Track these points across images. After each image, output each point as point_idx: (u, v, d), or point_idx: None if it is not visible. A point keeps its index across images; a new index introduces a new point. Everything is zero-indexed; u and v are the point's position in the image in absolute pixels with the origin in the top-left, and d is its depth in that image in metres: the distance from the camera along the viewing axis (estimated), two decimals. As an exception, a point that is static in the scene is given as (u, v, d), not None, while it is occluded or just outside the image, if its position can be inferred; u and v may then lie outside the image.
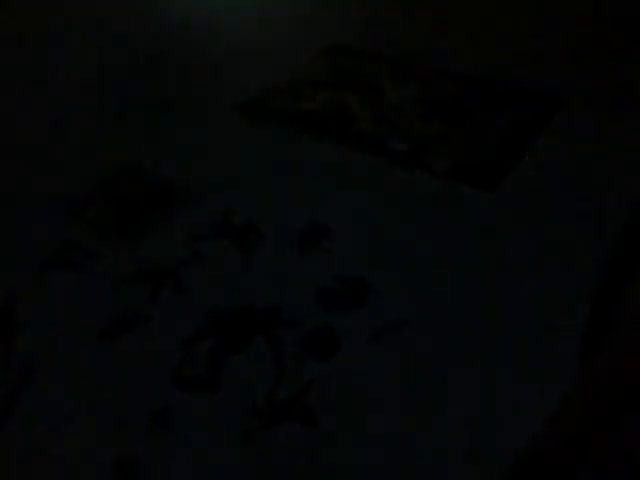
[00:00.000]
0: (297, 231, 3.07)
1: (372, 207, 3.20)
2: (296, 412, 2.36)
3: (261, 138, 3.71)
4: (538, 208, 3.08)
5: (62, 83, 3.72)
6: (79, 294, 2.90)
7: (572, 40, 4.08)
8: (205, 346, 2.60)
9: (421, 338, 2.56)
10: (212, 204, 3.27)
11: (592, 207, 3.04)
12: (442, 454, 2.19)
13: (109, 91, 3.98)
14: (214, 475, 2.21)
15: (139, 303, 2.81)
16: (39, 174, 3.47)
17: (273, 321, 2.67)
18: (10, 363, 2.63)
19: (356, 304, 2.73)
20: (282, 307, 2.72)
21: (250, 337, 2.63)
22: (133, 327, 2.72)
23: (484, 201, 3.16)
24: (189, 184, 3.41)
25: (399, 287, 2.79)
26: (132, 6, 4.83)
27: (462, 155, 3.44)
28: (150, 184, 3.44)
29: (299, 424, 2.32)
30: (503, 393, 2.35)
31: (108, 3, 4.64)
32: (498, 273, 2.79)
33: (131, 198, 3.36)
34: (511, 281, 2.76)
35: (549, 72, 3.94)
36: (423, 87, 3.98)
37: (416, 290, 2.77)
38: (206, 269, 2.96)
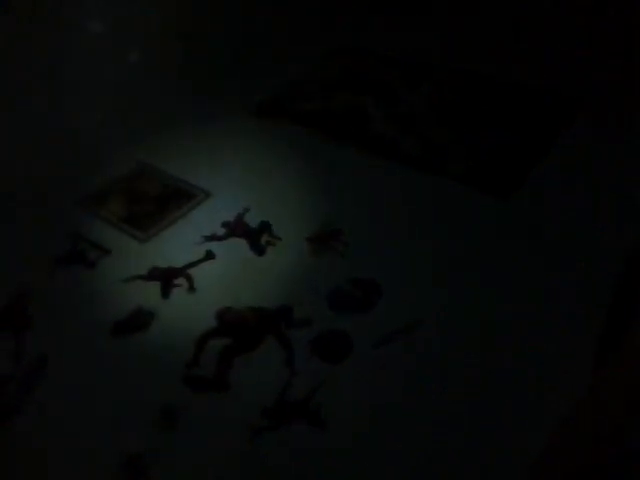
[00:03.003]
0: (310, 233, 3.07)
1: (385, 209, 3.21)
2: (305, 413, 2.37)
3: (277, 140, 3.71)
4: (550, 214, 3.10)
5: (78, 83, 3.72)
6: (92, 290, 2.90)
7: (583, 46, 4.09)
8: (216, 346, 2.60)
9: (430, 340, 2.58)
10: (225, 204, 3.28)
11: (604, 214, 3.05)
12: (450, 459, 2.22)
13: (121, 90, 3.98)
14: (222, 472, 2.23)
15: (151, 301, 2.82)
16: (54, 171, 3.47)
17: (284, 322, 2.68)
18: (22, 357, 2.63)
19: (367, 306, 2.74)
20: (294, 308, 2.72)
21: (261, 337, 2.63)
22: (144, 325, 2.73)
23: (496, 205, 3.18)
24: (203, 184, 3.41)
25: (408, 288, 2.80)
26: None
27: (469, 155, 3.46)
28: (164, 183, 3.43)
29: (308, 425, 2.34)
30: (508, 395, 2.37)
31: None
32: (503, 274, 2.82)
33: (145, 197, 3.36)
34: (513, 281, 2.79)
35: (558, 77, 3.95)
36: (436, 89, 4.00)
37: (426, 293, 2.78)
38: (218, 269, 2.97)
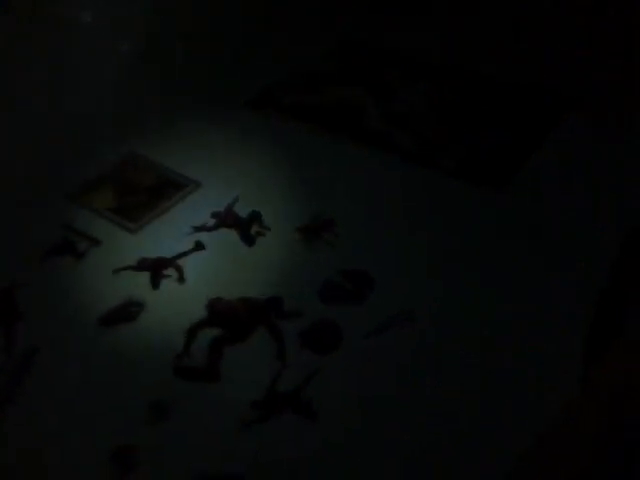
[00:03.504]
0: (301, 223, 3.05)
1: (378, 202, 3.19)
2: (296, 405, 2.34)
3: (269, 131, 3.69)
4: (549, 213, 3.09)
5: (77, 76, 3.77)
6: (80, 281, 2.90)
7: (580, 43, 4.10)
8: (206, 337, 2.58)
9: (424, 334, 2.56)
10: (216, 195, 3.25)
11: (604, 214, 3.03)
12: (444, 453, 2.20)
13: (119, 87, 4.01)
14: (213, 464, 2.20)
15: (140, 292, 2.80)
16: (42, 161, 3.48)
17: (275, 313, 2.66)
18: (11, 349, 2.61)
19: (358, 298, 2.72)
20: (284, 299, 2.70)
21: (251, 329, 2.62)
22: (133, 316, 2.71)
23: (494, 202, 3.16)
24: (194, 175, 3.38)
25: (401, 282, 2.78)
26: None
27: (469, 154, 3.45)
28: (157, 174, 3.41)
29: (298, 417, 2.31)
30: (506, 393, 2.35)
31: None
32: (500, 272, 2.80)
33: (137, 188, 3.34)
34: (512, 279, 2.77)
35: (558, 77, 3.94)
36: (436, 89, 3.98)
37: (418, 285, 2.77)
38: (208, 259, 2.95)
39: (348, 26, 4.56)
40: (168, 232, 3.09)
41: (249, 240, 3.01)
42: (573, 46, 4.11)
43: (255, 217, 3.07)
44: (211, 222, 3.09)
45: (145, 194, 3.29)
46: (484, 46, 4.24)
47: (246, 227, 3.05)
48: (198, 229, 3.06)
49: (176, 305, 2.75)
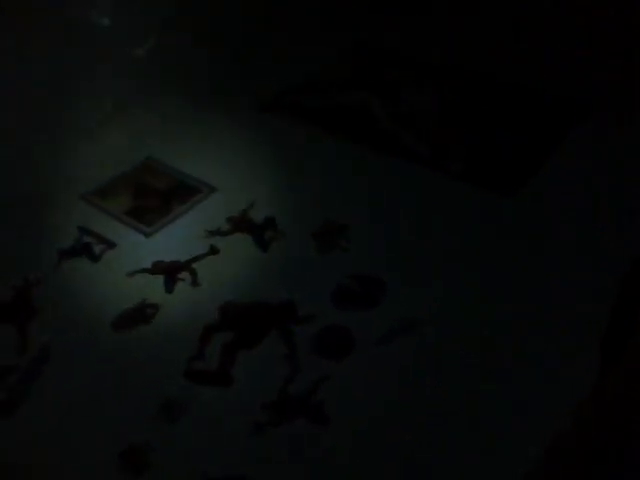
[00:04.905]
0: (315, 229, 3.08)
1: (390, 207, 3.22)
2: (307, 409, 2.38)
3: (281, 136, 3.72)
4: (551, 214, 3.11)
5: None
6: (95, 283, 2.94)
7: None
8: (219, 340, 2.62)
9: (431, 338, 2.58)
10: (230, 200, 3.28)
11: (606, 215, 3.05)
12: (445, 454, 2.23)
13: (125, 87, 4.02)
14: (223, 466, 2.24)
15: (154, 295, 2.84)
16: (62, 166, 3.52)
17: (288, 317, 2.69)
18: (25, 348, 2.66)
19: (371, 303, 2.74)
20: (297, 303, 2.73)
21: (264, 332, 2.65)
22: (148, 318, 2.75)
23: (499, 205, 3.18)
24: (208, 179, 3.41)
25: (414, 287, 2.80)
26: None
27: (469, 155, 3.48)
28: (170, 178, 3.45)
29: (310, 421, 2.35)
30: (508, 394, 2.38)
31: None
32: (500, 272, 2.84)
33: (151, 191, 3.37)
34: (511, 279, 2.80)
35: (558, 77, 3.97)
36: (437, 90, 4.00)
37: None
38: (222, 263, 2.98)
39: (348, 27, 4.56)
40: (183, 236, 3.12)
41: (263, 245, 3.04)
42: (573, 46, 4.10)
43: (269, 222, 3.11)
44: (225, 227, 3.12)
45: (160, 198, 3.32)
46: (484, 46, 4.23)
47: (260, 232, 3.08)
48: (213, 233, 3.09)
49: (190, 308, 2.79)
